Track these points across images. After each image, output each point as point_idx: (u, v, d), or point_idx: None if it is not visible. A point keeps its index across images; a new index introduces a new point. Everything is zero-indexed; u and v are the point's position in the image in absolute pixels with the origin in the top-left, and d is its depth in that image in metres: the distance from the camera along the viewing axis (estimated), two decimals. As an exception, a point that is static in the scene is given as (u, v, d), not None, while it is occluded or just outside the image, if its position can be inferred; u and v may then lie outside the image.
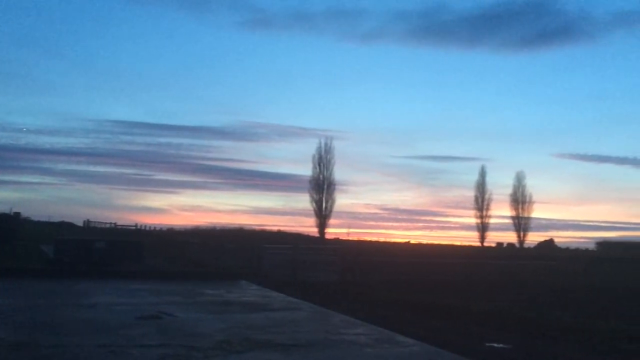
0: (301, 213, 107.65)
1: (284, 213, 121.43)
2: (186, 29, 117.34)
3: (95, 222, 64.76)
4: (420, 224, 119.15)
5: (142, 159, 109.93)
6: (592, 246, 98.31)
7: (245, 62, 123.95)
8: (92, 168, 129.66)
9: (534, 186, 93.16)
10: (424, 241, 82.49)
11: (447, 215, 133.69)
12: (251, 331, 8.82)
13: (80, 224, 68.19)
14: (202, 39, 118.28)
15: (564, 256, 63.72)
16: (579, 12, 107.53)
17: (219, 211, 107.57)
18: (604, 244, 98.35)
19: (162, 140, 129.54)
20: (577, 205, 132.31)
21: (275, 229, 66.92)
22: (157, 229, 57.59)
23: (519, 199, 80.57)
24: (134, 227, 53.84)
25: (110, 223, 59.09)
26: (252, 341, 7.99)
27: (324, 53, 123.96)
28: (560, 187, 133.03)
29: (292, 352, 7.37)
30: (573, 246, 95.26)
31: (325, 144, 69.25)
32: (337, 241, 56.27)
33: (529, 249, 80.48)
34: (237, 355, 7.06)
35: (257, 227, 68.14)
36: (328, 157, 68.56)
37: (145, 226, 56.04)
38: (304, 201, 71.34)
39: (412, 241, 79.14)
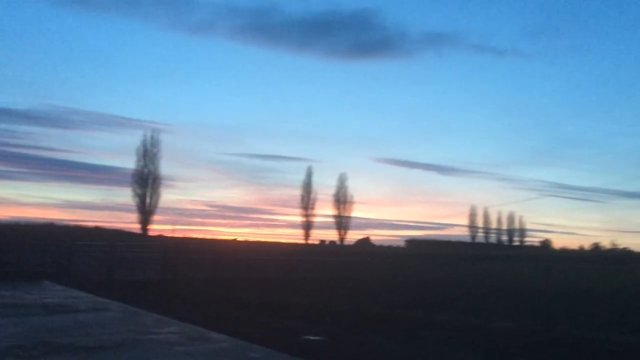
0: (122, 208, 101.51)
1: (103, 208, 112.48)
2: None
3: None
4: (248, 222, 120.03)
5: None
6: (402, 244, 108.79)
7: (59, 41, 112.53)
8: None
9: (354, 187, 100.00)
10: (251, 238, 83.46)
11: (274, 213, 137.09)
12: (50, 335, 8.12)
13: None
14: (7, 9, 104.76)
15: (379, 252, 69.30)
16: (396, 28, 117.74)
17: (24, 204, 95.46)
18: (412, 242, 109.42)
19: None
20: (390, 206, 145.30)
21: (92, 224, 62.05)
22: (-54, 223, 49.83)
23: (341, 199, 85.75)
24: None
25: None
26: (51, 345, 7.36)
27: (150, 40, 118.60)
28: (377, 189, 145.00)
29: (95, 355, 6.93)
30: (386, 244, 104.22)
31: (152, 137, 66.36)
32: (160, 238, 54.13)
33: (348, 246, 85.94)
34: (29, 362, 6.43)
35: (71, 223, 62.43)
36: (154, 150, 65.80)
37: None
38: (125, 196, 67.52)
39: (239, 238, 79.47)
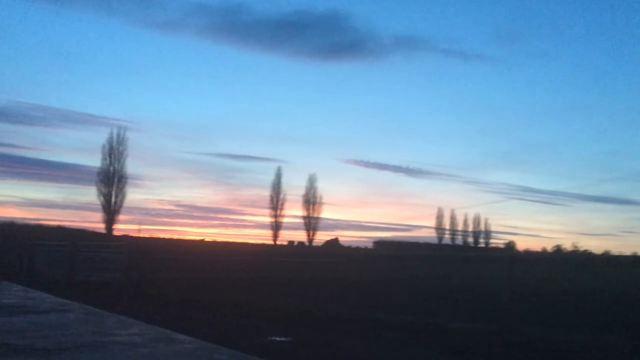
0: (86, 207, 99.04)
1: (66, 207, 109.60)
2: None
3: None
4: (216, 222, 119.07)
5: None
6: (370, 245, 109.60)
7: (23, 36, 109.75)
8: None
9: (323, 188, 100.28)
10: (219, 239, 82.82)
11: (242, 214, 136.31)
12: (7, 337, 7.91)
13: None
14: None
15: (347, 253, 69.68)
16: (366, 31, 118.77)
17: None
18: (380, 243, 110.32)
19: None
20: (359, 208, 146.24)
21: (54, 224, 60.62)
22: None
23: (310, 200, 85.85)
24: None
25: None
26: (7, 347, 7.17)
27: (118, 37, 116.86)
28: (346, 190, 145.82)
29: (54, 357, 6.78)
30: (355, 244, 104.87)
31: (118, 135, 65.31)
32: (126, 238, 53.23)
33: (317, 247, 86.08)
34: (-16, 365, 6.27)
35: (32, 222, 60.89)
36: (120, 148, 64.74)
37: None
38: (90, 194, 66.33)
39: (207, 239, 78.79)
